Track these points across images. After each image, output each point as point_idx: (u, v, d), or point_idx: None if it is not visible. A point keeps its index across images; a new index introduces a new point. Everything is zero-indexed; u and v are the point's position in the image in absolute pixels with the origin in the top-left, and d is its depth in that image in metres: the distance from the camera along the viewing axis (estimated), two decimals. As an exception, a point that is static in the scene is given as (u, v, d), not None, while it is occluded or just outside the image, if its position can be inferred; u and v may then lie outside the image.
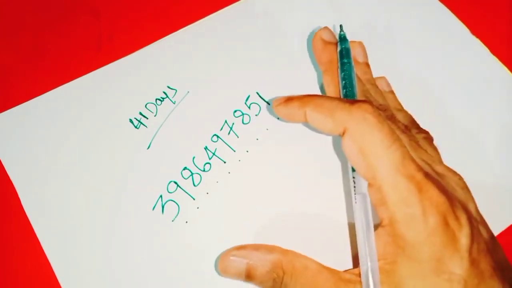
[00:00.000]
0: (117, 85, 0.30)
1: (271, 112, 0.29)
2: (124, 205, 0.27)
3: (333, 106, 0.23)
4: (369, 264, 0.21)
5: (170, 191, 0.27)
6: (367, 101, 0.23)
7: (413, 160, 0.21)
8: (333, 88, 0.27)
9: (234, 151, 0.28)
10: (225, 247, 0.25)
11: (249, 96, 0.30)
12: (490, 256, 0.20)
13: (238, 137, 0.29)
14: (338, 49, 0.27)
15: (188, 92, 0.30)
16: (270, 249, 0.22)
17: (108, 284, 0.25)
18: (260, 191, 0.27)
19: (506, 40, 0.32)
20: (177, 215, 0.27)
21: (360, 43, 0.29)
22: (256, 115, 0.29)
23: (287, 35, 0.32)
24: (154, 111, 0.29)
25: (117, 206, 0.27)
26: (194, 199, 0.27)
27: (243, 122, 0.29)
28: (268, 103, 0.30)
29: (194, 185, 0.27)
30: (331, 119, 0.22)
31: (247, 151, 0.28)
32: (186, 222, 0.26)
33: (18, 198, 0.27)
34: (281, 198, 0.27)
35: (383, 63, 0.30)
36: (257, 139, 0.29)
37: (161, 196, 0.27)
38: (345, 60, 0.26)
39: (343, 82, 0.26)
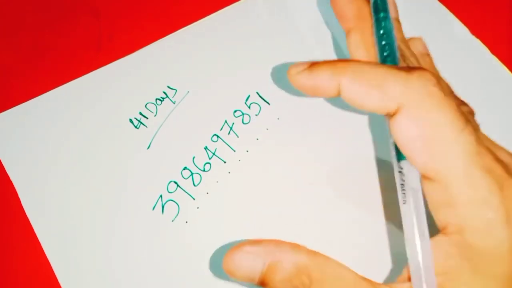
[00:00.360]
0: (117, 85, 0.30)
1: (271, 112, 0.29)
2: (124, 205, 0.27)
3: (381, 75, 0.17)
4: (424, 279, 0.16)
5: (170, 191, 0.27)
6: (427, 69, 0.18)
7: (488, 149, 0.17)
8: (364, 51, 0.21)
9: (234, 151, 0.28)
10: (225, 247, 0.26)
11: (249, 96, 0.30)
12: None
13: (238, 137, 0.29)
14: (372, 0, 0.21)
15: (188, 92, 0.30)
16: (295, 248, 0.17)
17: (108, 284, 0.25)
18: (260, 191, 0.27)
19: (506, 40, 0.32)
20: (177, 215, 0.27)
21: None
22: (256, 115, 0.29)
23: (287, 35, 0.32)
24: (154, 111, 0.29)
25: (117, 206, 0.27)
26: (194, 199, 0.27)
27: (243, 122, 0.29)
28: (268, 103, 0.30)
29: (194, 185, 0.27)
30: (379, 92, 0.17)
31: (247, 151, 0.28)
32: (186, 222, 0.26)
33: (18, 198, 0.27)
34: (282, 198, 0.27)
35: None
36: (257, 139, 0.29)
37: (161, 196, 0.27)
38: (382, 15, 0.20)
39: (382, 42, 0.20)
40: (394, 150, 0.19)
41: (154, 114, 0.29)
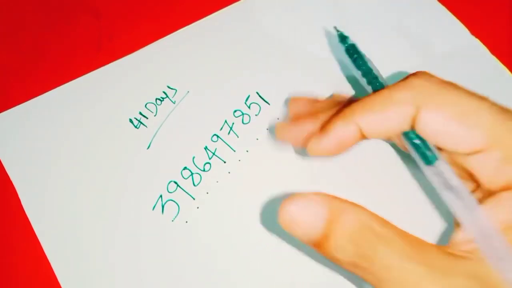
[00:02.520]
0: (117, 85, 0.30)
1: (271, 112, 0.29)
2: (124, 205, 0.27)
3: (384, 95, 0.18)
4: (494, 243, 0.16)
5: (170, 191, 0.27)
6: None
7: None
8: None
9: (234, 151, 0.28)
10: (225, 247, 0.26)
11: (249, 96, 0.30)
12: None
13: (238, 137, 0.29)
14: (344, 48, 0.25)
15: (188, 92, 0.30)
16: (356, 204, 0.17)
17: (108, 284, 0.25)
18: (260, 191, 0.27)
19: (506, 40, 0.32)
20: (177, 215, 0.27)
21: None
22: (256, 115, 0.29)
23: (287, 35, 0.32)
24: (154, 111, 0.29)
25: (117, 206, 0.27)
26: (194, 199, 0.27)
27: (243, 122, 0.29)
28: (268, 103, 0.30)
29: (194, 185, 0.27)
30: (394, 107, 0.18)
31: (247, 151, 0.28)
32: (186, 222, 0.26)
33: (18, 198, 0.27)
34: (281, 198, 0.27)
35: (382, 63, 0.30)
36: (257, 139, 0.29)
37: (161, 196, 0.27)
38: (356, 55, 0.24)
39: (365, 79, 0.22)
40: (418, 157, 0.19)
41: (154, 114, 0.29)
